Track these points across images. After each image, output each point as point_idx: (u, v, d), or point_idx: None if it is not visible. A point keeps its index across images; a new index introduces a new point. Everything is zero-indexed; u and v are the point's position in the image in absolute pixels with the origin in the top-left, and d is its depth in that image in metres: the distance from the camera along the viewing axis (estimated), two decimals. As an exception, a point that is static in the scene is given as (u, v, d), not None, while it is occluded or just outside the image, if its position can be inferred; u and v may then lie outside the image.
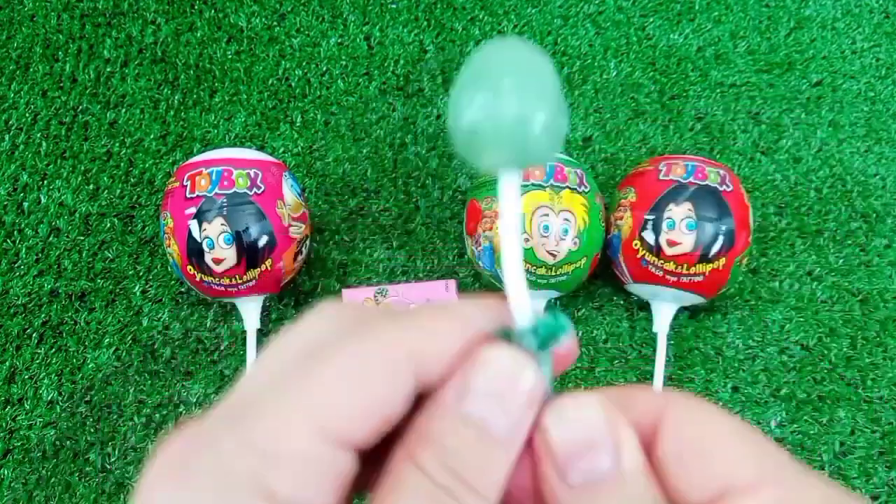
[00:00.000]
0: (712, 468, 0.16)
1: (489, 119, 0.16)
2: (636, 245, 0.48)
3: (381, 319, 0.17)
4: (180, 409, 0.51)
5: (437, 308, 0.17)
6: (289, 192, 0.48)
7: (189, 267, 0.46)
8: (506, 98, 0.16)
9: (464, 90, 0.17)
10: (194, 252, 0.46)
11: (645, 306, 0.53)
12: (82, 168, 0.58)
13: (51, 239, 0.56)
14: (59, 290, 0.54)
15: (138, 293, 0.54)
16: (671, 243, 0.46)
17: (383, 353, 0.16)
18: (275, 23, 0.63)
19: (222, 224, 0.45)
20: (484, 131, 0.16)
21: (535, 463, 0.17)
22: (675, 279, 0.47)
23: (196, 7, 0.64)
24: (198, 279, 0.47)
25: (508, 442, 0.16)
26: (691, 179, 0.47)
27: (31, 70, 0.61)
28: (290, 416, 0.15)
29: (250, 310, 0.49)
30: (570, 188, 0.47)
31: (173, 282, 0.54)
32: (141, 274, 0.54)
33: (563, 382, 0.51)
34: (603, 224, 0.49)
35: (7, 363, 0.52)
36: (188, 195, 0.46)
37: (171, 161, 0.58)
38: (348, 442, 0.15)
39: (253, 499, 0.14)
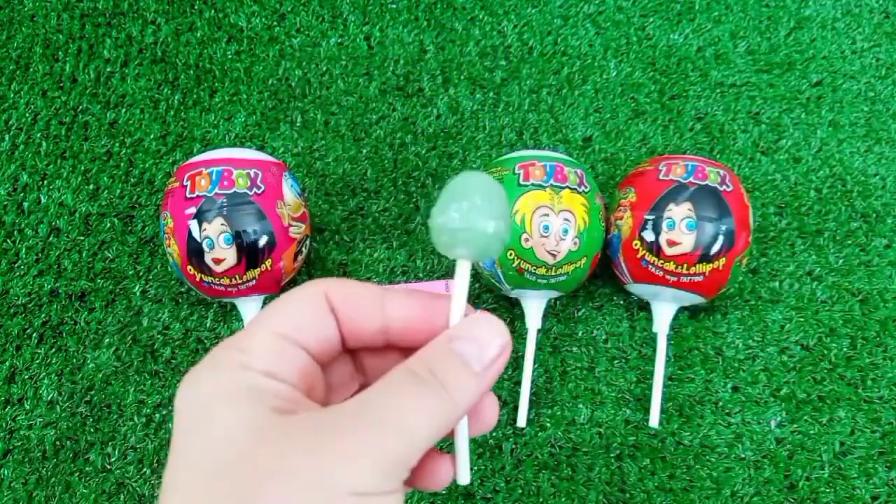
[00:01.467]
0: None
1: (467, 229, 0.24)
2: (636, 245, 0.48)
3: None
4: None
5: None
6: (289, 192, 0.48)
7: (189, 267, 0.46)
8: (479, 217, 0.24)
9: (449, 204, 0.24)
10: (194, 252, 0.46)
11: (645, 306, 0.53)
12: (82, 168, 0.58)
13: (51, 239, 0.56)
14: (59, 290, 0.54)
15: (138, 293, 0.54)
16: (671, 243, 0.47)
17: (306, 290, 0.24)
18: (275, 23, 0.63)
19: (222, 224, 0.45)
20: (461, 235, 0.24)
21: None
22: (675, 279, 0.47)
23: (196, 7, 0.64)
24: (198, 279, 0.47)
25: (479, 376, 0.23)
26: (691, 179, 0.47)
27: (31, 70, 0.61)
28: (257, 329, 0.23)
29: (250, 310, 0.49)
30: (570, 188, 0.47)
31: (173, 282, 0.54)
32: (141, 274, 0.54)
33: (564, 382, 0.51)
34: (603, 224, 0.49)
35: (7, 363, 0.52)
36: (188, 195, 0.46)
37: (171, 161, 0.58)
38: (296, 341, 0.23)
39: (234, 369, 0.22)
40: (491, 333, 0.24)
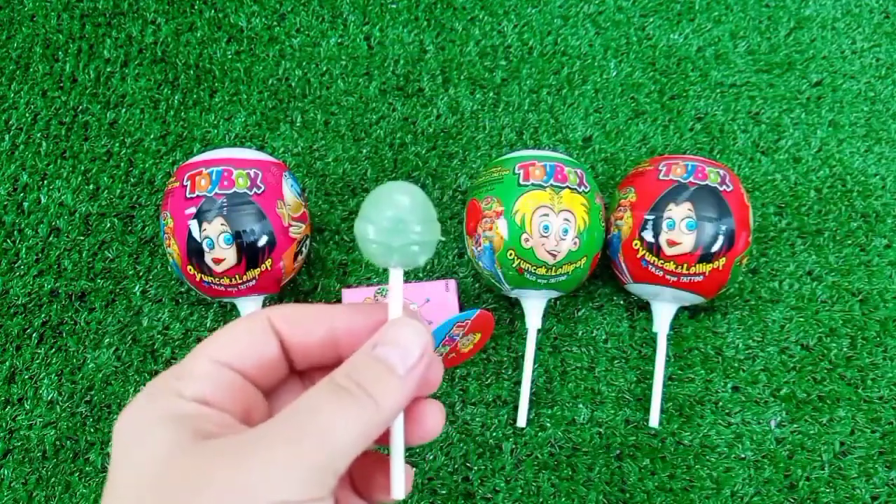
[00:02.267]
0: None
1: (383, 243, 0.25)
2: (636, 245, 0.48)
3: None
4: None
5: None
6: (289, 192, 0.48)
7: (189, 267, 0.46)
8: (394, 231, 0.25)
9: (366, 220, 0.25)
10: (194, 252, 0.46)
11: (645, 306, 0.53)
12: (82, 168, 0.58)
13: (51, 239, 0.56)
14: (59, 290, 0.54)
15: (138, 293, 0.54)
16: (671, 243, 0.47)
17: (248, 318, 0.25)
18: (275, 23, 0.63)
19: (222, 224, 0.45)
20: (380, 249, 0.25)
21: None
22: (675, 279, 0.47)
23: (196, 7, 0.64)
24: (198, 279, 0.47)
25: (402, 378, 0.23)
26: (691, 179, 0.47)
27: (31, 70, 0.61)
28: (194, 357, 0.24)
29: (250, 310, 0.49)
30: (570, 188, 0.47)
31: (173, 282, 0.54)
32: (141, 274, 0.54)
33: (564, 381, 0.51)
34: (603, 224, 0.49)
35: (7, 363, 0.52)
36: (188, 195, 0.46)
37: (171, 161, 0.58)
38: (231, 366, 0.24)
39: (167, 397, 0.23)
40: (412, 336, 0.24)
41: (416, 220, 0.25)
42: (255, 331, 0.25)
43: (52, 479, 0.49)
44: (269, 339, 0.25)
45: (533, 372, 0.51)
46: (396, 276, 0.26)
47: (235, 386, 0.24)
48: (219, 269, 0.46)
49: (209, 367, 0.24)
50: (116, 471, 0.22)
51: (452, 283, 0.51)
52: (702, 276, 0.47)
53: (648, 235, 0.47)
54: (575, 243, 0.47)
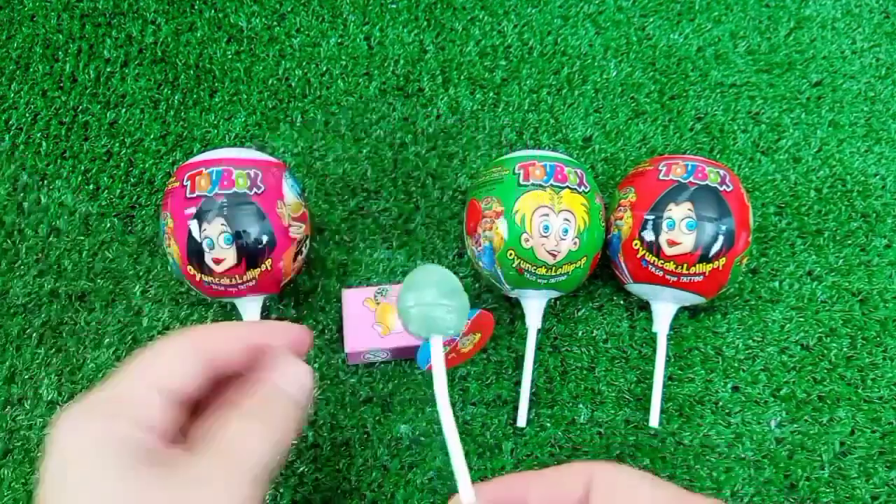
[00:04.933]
0: None
1: (424, 318, 0.32)
2: (636, 245, 0.48)
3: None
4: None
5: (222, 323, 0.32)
6: (289, 192, 0.48)
7: (189, 267, 0.46)
8: (434, 308, 0.32)
9: (408, 298, 0.33)
10: (194, 252, 0.46)
11: (645, 306, 0.53)
12: (82, 168, 0.58)
13: (51, 239, 0.56)
14: (59, 291, 0.54)
15: (138, 293, 0.54)
16: (671, 243, 0.47)
17: (174, 342, 0.28)
18: (275, 23, 0.63)
19: (222, 224, 0.45)
20: (420, 322, 0.32)
21: None
22: (675, 279, 0.47)
23: (196, 7, 0.64)
24: (198, 279, 0.47)
25: (304, 408, 0.29)
26: (691, 179, 0.47)
27: (31, 70, 0.61)
28: (131, 381, 0.26)
29: (250, 310, 0.49)
30: (570, 188, 0.47)
31: (173, 282, 0.54)
32: (141, 274, 0.54)
33: (564, 381, 0.51)
34: (603, 224, 0.49)
35: (7, 363, 0.52)
36: (188, 195, 0.46)
37: (171, 161, 0.58)
38: (169, 392, 0.26)
39: (109, 420, 0.25)
40: (308, 376, 0.30)
41: (444, 294, 0.32)
42: (186, 356, 0.27)
43: (52, 480, 0.49)
44: (197, 361, 0.27)
45: (533, 372, 0.51)
46: (437, 343, 0.32)
47: (172, 410, 0.26)
48: (219, 269, 0.46)
49: (151, 395, 0.26)
50: (51, 492, 0.23)
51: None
52: (702, 276, 0.47)
53: (649, 235, 0.47)
54: (575, 243, 0.47)
